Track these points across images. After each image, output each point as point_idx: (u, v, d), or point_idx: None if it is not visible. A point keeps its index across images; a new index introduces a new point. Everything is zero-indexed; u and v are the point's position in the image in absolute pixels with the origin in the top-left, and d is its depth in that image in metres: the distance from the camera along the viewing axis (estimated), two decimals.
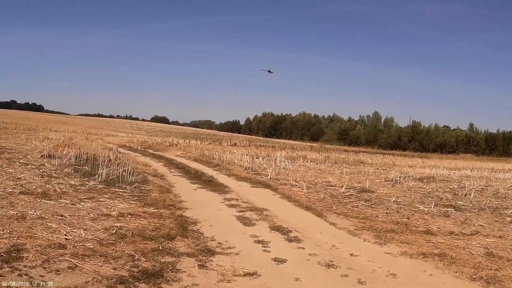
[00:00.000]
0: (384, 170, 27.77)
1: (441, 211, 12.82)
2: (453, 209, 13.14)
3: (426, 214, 12.45)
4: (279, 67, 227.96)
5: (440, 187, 18.16)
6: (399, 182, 19.32)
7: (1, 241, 6.93)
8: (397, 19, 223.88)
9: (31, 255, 6.46)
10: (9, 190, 10.83)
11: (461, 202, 14.34)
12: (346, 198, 14.72)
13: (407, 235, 10.04)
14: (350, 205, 13.43)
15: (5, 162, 15.63)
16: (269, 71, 65.92)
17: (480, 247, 9.22)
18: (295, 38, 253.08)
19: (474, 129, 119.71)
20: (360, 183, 18.43)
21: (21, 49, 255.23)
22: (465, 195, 15.89)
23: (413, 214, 12.32)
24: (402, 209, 13.00)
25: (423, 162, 43.55)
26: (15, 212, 8.71)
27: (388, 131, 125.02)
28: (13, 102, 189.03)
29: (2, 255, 6.31)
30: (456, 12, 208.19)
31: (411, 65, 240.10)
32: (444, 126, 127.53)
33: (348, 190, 16.08)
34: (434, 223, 11.38)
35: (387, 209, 13.02)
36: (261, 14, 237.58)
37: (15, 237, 7.21)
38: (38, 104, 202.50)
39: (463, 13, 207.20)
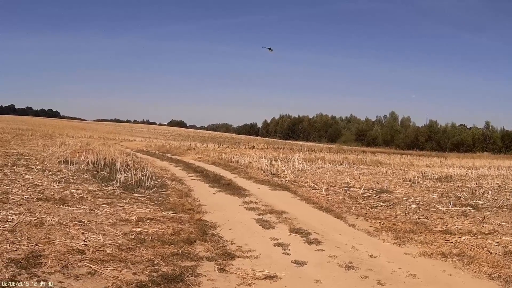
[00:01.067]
0: (402, 170, 27.62)
1: (460, 211, 12.75)
2: (471, 208, 13.07)
3: (445, 213, 12.39)
4: (295, 68, 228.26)
5: (458, 186, 18.04)
6: (417, 182, 19.20)
7: (20, 247, 6.97)
8: (412, 16, 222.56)
9: (49, 261, 6.49)
10: (27, 196, 10.91)
11: (479, 201, 14.25)
12: (365, 199, 14.64)
13: (426, 235, 9.97)
14: (369, 206, 13.36)
15: (22, 168, 15.78)
16: (269, 49, 67.48)
17: (498, 246, 9.15)
18: (310, 37, 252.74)
19: (490, 127, 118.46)
20: (378, 183, 18.32)
21: (35, 54, 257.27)
22: (483, 194, 15.78)
23: (431, 214, 12.25)
24: (421, 209, 12.94)
25: (440, 161, 43.18)
26: (33, 219, 8.76)
27: (405, 131, 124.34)
28: (29, 108, 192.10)
29: (21, 262, 6.35)
30: (471, 8, 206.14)
31: (426, 63, 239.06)
32: (460, 125, 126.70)
33: (367, 191, 15.99)
34: (452, 222, 11.30)
35: (406, 209, 12.95)
36: (276, 14, 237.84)
37: (33, 243, 7.25)
38: (54, 110, 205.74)
39: (478, 8, 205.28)
